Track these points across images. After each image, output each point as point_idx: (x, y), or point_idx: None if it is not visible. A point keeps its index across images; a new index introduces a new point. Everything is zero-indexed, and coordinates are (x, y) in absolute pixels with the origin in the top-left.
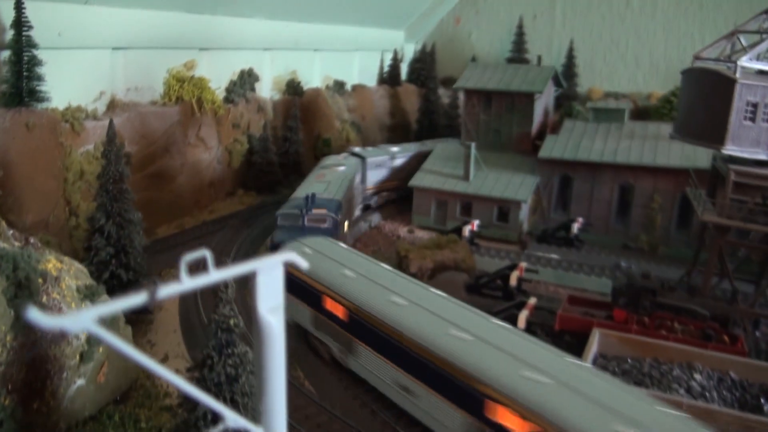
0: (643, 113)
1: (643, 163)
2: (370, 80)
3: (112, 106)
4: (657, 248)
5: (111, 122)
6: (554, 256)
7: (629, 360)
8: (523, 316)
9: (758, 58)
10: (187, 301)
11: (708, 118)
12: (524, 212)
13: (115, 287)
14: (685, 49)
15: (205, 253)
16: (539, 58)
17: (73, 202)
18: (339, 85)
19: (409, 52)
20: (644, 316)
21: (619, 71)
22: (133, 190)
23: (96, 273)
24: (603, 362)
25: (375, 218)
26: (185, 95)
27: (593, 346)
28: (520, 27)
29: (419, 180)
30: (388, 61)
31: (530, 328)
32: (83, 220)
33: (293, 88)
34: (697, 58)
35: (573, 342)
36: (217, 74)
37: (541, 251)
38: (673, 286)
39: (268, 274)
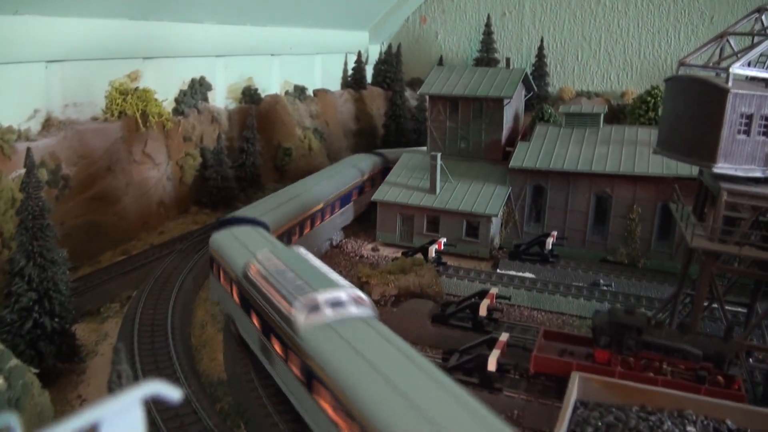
0: (617, 113)
1: (622, 171)
2: (334, 84)
3: (48, 124)
4: (637, 261)
5: (29, 150)
6: (528, 274)
7: (614, 409)
8: (493, 357)
9: (749, 64)
10: (124, 343)
11: (696, 132)
12: (495, 226)
13: (40, 337)
14: (660, 45)
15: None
16: (507, 61)
17: (6, 233)
18: (300, 91)
19: (373, 53)
20: (629, 356)
21: (592, 69)
22: (73, 216)
23: (18, 322)
24: (584, 412)
25: (337, 236)
26: (128, 109)
27: (573, 393)
28: (489, 26)
29: (383, 194)
30: (352, 64)
31: (501, 369)
32: None
33: (250, 95)
34: (682, 64)
35: (551, 385)
36: (164, 84)
37: (513, 269)
38: (660, 322)
39: (120, 422)
